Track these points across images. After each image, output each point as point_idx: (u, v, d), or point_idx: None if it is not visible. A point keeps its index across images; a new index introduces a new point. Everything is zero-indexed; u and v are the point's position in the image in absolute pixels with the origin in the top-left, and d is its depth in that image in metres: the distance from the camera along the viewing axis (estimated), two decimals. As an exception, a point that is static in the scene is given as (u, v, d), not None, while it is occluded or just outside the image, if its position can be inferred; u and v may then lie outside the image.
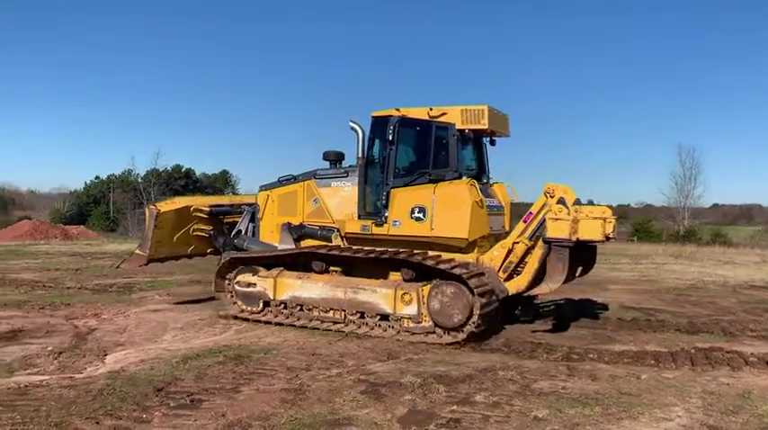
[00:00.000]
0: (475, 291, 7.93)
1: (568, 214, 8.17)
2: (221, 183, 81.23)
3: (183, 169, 72.14)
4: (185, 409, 5.24)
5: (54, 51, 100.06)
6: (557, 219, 8.16)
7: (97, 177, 63.01)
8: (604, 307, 11.33)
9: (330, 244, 9.53)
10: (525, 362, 7.12)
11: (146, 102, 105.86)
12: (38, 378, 6.11)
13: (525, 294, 8.94)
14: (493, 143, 9.88)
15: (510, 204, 9.89)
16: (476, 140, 9.65)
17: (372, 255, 8.78)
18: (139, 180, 58.20)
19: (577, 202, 8.51)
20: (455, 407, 5.42)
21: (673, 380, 6.44)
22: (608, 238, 8.35)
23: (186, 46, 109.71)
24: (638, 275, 17.66)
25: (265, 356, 7.09)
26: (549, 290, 8.49)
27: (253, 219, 10.58)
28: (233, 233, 10.71)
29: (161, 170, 62.84)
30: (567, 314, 10.37)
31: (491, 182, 9.94)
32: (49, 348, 7.36)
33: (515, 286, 8.47)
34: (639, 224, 48.27)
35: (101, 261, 18.64)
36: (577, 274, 8.95)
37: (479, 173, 9.78)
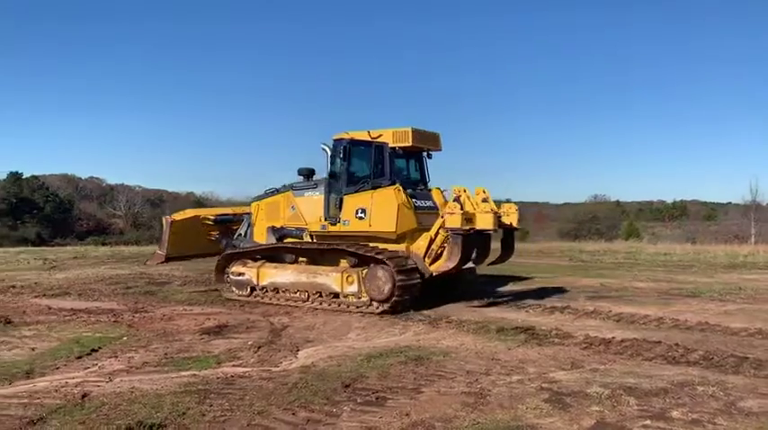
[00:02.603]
0: (394, 270, 10.06)
1: (461, 209, 10.21)
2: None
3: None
4: (371, 406, 5.45)
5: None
6: (451, 214, 10.23)
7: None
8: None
9: (301, 241, 11.83)
10: (729, 377, 6.44)
11: (315, 112, 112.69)
12: (241, 369, 6.71)
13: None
14: (429, 157, 12.18)
15: (445, 205, 11.52)
16: (417, 155, 12.02)
17: (323, 247, 11.20)
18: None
19: (485, 200, 10.60)
20: (648, 421, 5.05)
21: None
22: (507, 227, 10.96)
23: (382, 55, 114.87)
24: None
25: (444, 359, 7.16)
26: (448, 267, 10.41)
27: (250, 224, 13.00)
28: (235, 236, 13.29)
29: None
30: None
31: (429, 188, 12.04)
32: (250, 343, 8.08)
33: (436, 268, 10.63)
34: None
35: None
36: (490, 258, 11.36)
37: (420, 180, 12.05)
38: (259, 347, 7.78)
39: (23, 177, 58.60)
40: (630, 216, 61.32)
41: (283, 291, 11.55)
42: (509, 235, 11.47)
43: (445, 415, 5.21)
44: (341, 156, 11.34)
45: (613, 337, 8.39)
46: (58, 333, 8.77)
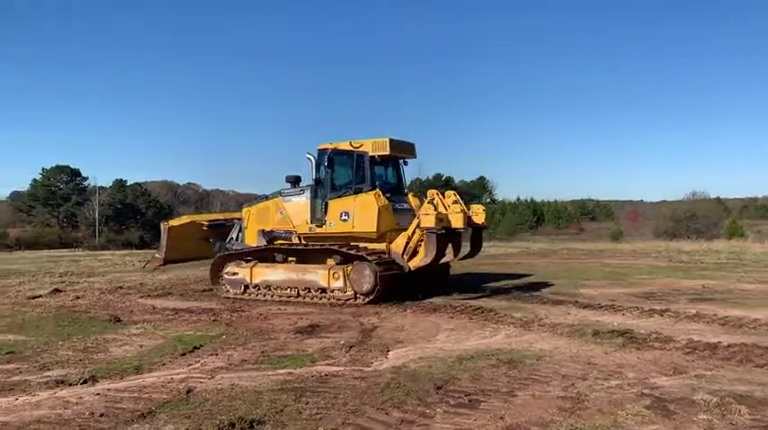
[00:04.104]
0: (376, 265, 11.29)
1: (434, 210, 11.45)
2: (479, 189, 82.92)
3: (443, 178, 75.28)
4: (464, 408, 5.40)
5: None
6: (426, 214, 11.44)
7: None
8: None
9: (290, 242, 13.08)
10: None
11: (407, 114, 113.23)
12: (334, 368, 6.83)
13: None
14: (405, 164, 13.49)
15: (419, 207, 12.39)
16: (395, 162, 13.26)
17: (314, 248, 12.42)
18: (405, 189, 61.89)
19: (456, 202, 11.98)
20: (763, 432, 4.74)
21: None
22: (478, 226, 12.43)
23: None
24: None
25: (538, 362, 6.99)
26: (424, 263, 11.60)
27: (241, 228, 14.10)
28: (227, 240, 14.31)
29: (423, 179, 66.29)
30: None
31: (407, 192, 13.47)
32: (341, 342, 8.22)
33: (414, 264, 11.75)
34: None
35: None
36: (461, 254, 12.72)
37: (398, 185, 13.33)
38: (351, 347, 7.90)
39: (127, 184, 62.42)
40: (733, 214, 57.83)
41: (275, 288, 12.62)
42: (477, 233, 12.79)
43: (541, 419, 5.09)
44: (325, 164, 12.52)
45: (719, 342, 7.92)
46: (162, 331, 9.27)
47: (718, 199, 63.72)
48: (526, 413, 5.25)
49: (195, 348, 7.92)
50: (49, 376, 6.62)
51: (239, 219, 14.38)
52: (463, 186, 79.99)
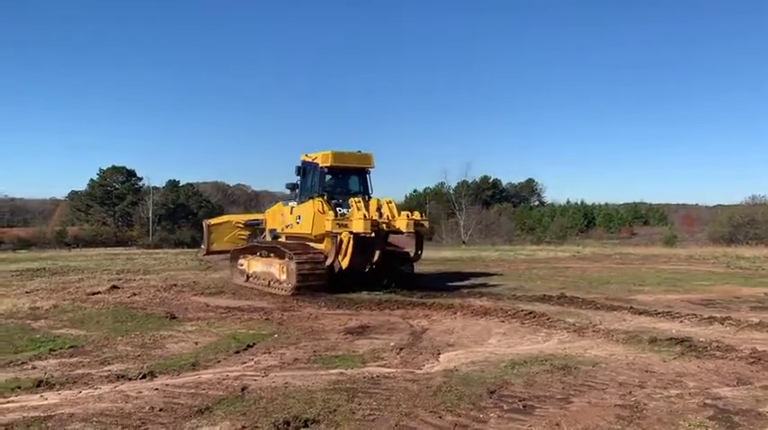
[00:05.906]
0: (296, 263, 12.89)
1: (334, 216, 13.12)
2: (527, 191, 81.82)
3: (491, 179, 74.61)
4: (518, 414, 5.32)
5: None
6: (327, 220, 13.12)
7: (415, 191, 69.08)
8: None
9: (276, 240, 15.45)
10: None
11: (457, 115, 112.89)
12: (385, 370, 6.83)
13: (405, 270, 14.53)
14: (367, 173, 14.90)
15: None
16: (360, 171, 14.90)
17: (269, 246, 14.95)
18: (451, 191, 61.75)
19: (378, 208, 13.65)
20: (838, 449, 4.52)
21: None
22: (396, 231, 13.52)
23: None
24: None
25: (593, 369, 6.84)
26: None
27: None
28: (262, 236, 16.64)
29: (470, 181, 65.83)
30: None
31: (370, 198, 14.31)
32: (392, 344, 8.22)
33: (344, 263, 12.93)
34: None
35: (422, 267, 20.16)
36: (376, 259, 13.54)
37: (363, 193, 14.64)
38: (401, 349, 7.89)
39: (180, 185, 63.98)
40: (796, 219, 55.29)
41: (258, 278, 14.89)
42: (418, 238, 14.08)
43: (598, 427, 4.98)
44: (297, 174, 14.83)
45: (786, 352, 7.59)
46: (216, 329, 9.45)
47: (779, 203, 61.12)
48: (582, 420, 5.14)
49: (249, 346, 8.05)
50: (109, 370, 6.83)
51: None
52: (511, 189, 79.13)
